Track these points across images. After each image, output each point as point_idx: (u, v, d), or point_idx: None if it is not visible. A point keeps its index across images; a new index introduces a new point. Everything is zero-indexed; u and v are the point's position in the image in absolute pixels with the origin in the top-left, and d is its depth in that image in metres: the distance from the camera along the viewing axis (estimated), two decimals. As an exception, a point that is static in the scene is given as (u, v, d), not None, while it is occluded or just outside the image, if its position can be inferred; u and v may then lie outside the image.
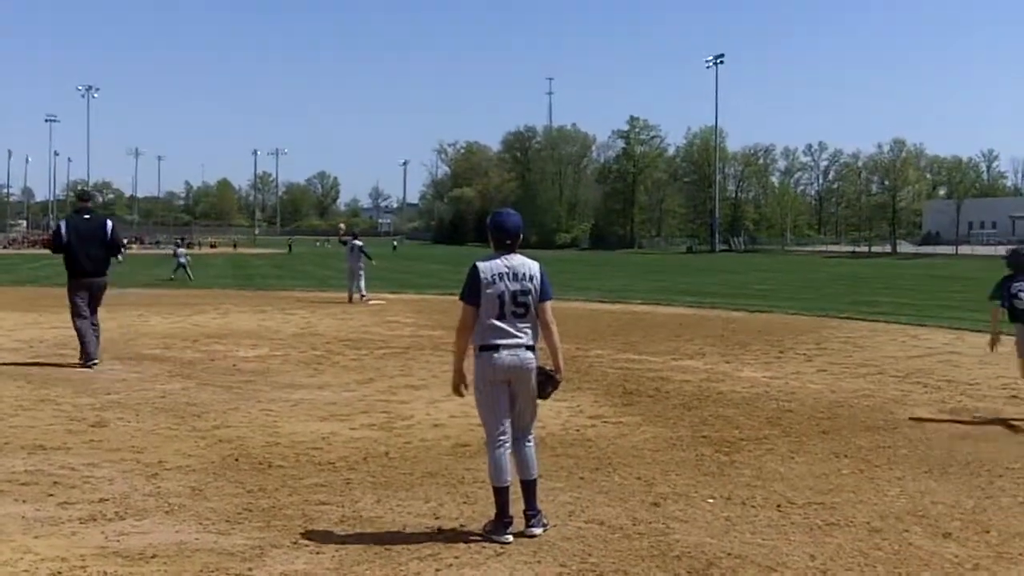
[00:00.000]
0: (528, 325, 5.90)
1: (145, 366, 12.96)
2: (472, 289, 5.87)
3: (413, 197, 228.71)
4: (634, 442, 8.58)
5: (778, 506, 6.60)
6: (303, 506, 6.34)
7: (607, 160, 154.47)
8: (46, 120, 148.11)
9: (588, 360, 13.99)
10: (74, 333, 13.03)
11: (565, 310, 24.14)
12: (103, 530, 5.79)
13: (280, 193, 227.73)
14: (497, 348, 5.82)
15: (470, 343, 5.94)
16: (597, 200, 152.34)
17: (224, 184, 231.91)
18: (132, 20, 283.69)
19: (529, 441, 6.03)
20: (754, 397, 11.08)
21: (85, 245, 13.11)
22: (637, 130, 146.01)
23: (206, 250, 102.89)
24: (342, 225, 36.24)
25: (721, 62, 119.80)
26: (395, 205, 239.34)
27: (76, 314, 13.09)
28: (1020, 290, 9.81)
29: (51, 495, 6.51)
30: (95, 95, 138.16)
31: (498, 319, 5.83)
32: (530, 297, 5.89)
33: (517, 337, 5.84)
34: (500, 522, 5.80)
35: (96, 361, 12.81)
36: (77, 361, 12.83)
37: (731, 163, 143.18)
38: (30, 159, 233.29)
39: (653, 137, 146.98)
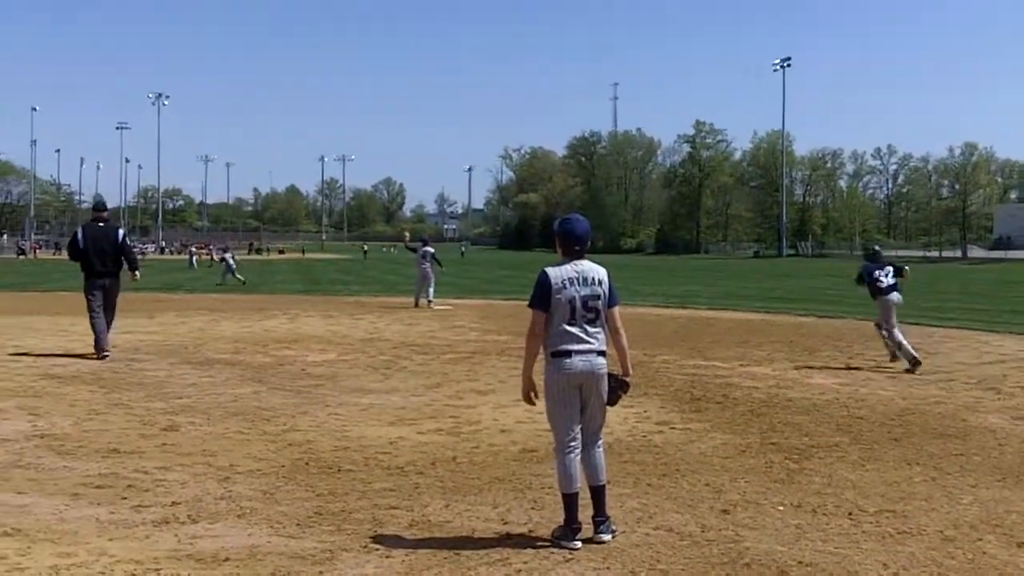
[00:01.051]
0: (599, 330, 5.90)
1: (216, 370, 13.14)
2: (542, 295, 5.87)
3: (478, 203, 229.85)
4: (702, 448, 8.52)
5: (849, 514, 6.51)
6: (373, 510, 6.39)
7: (673, 164, 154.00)
8: (117, 128, 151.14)
9: (655, 366, 13.92)
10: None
11: (631, 315, 24.05)
12: (176, 533, 5.87)
13: (347, 199, 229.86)
14: (569, 354, 5.81)
15: (540, 349, 5.94)
16: (662, 205, 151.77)
17: (292, 190, 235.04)
18: (202, 29, 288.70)
19: (599, 446, 6.02)
20: (824, 403, 10.95)
21: (99, 250, 14.62)
22: (703, 134, 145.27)
23: (274, 256, 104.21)
24: (407, 232, 36.48)
25: (788, 65, 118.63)
26: (460, 211, 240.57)
27: (91, 311, 14.52)
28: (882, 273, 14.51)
29: (125, 498, 6.62)
30: (165, 102, 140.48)
31: (569, 324, 5.83)
32: (600, 302, 5.89)
33: (588, 342, 5.84)
34: (569, 528, 5.79)
35: (108, 353, 14.13)
36: (93, 354, 14.09)
37: (798, 167, 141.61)
38: (101, 166, 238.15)
39: (719, 141, 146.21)
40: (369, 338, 17.69)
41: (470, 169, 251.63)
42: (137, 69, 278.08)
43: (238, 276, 38.42)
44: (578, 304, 5.83)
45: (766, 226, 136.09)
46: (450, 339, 17.66)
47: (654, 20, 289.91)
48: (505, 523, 6.17)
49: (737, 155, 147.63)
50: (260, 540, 5.76)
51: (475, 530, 6.03)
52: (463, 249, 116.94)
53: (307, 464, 7.70)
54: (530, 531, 6.02)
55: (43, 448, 8.12)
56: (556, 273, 5.90)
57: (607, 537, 5.84)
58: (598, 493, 5.93)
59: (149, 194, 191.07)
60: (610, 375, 5.95)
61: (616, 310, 5.99)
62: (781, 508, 6.62)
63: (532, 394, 6.04)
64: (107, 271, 14.68)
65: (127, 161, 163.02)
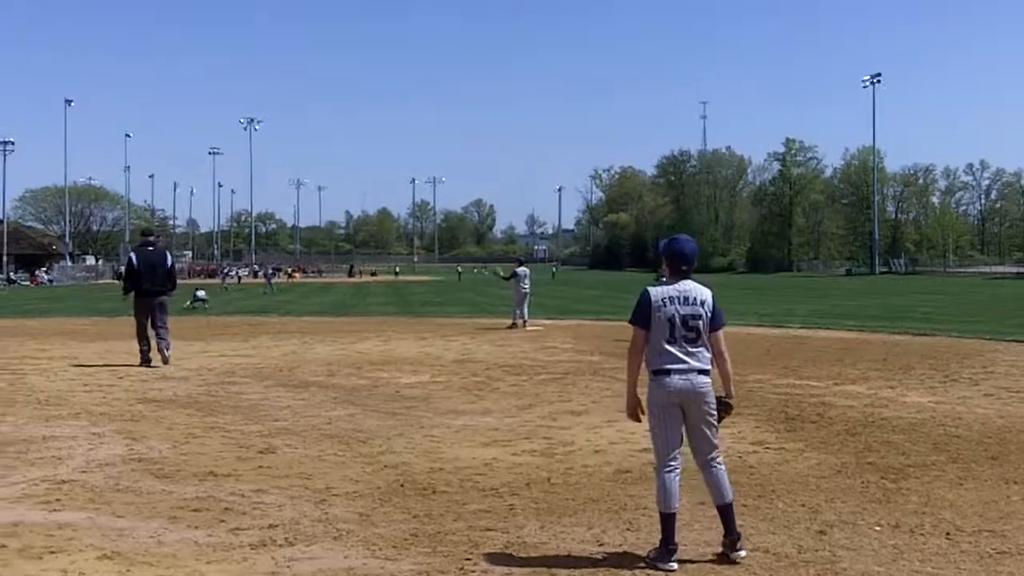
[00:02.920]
0: (700, 349, 5.88)
1: (311, 393, 13.32)
2: (642, 312, 5.91)
3: (568, 223, 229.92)
4: (797, 469, 8.39)
5: (947, 534, 6.37)
6: (468, 532, 6.41)
7: (763, 182, 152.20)
8: (210, 153, 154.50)
9: (748, 385, 13.75)
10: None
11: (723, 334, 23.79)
12: (273, 555, 5.94)
13: (438, 221, 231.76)
14: (668, 372, 5.83)
15: (642, 366, 5.97)
16: (753, 223, 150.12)
17: (383, 213, 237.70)
18: (292, 55, 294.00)
19: (716, 465, 5.99)
20: (920, 422, 10.70)
21: (149, 271, 16.76)
22: (793, 152, 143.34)
23: (367, 278, 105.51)
24: (499, 270, 36.94)
25: (878, 81, 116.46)
26: (550, 231, 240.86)
27: (138, 326, 16.60)
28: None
29: (222, 521, 6.70)
30: (257, 128, 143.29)
31: (669, 343, 5.84)
32: (701, 322, 5.88)
33: (688, 361, 5.83)
34: (665, 549, 5.74)
35: (163, 359, 16.24)
36: (139, 364, 16.15)
37: (890, 184, 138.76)
38: (195, 191, 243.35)
39: (810, 158, 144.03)
40: (462, 359, 17.79)
41: (560, 190, 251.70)
42: (229, 95, 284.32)
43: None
44: (678, 323, 5.84)
45: (858, 243, 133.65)
46: (542, 360, 17.67)
47: (743, 37, 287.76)
48: (600, 544, 6.14)
49: (828, 172, 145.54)
50: (357, 562, 5.80)
51: (571, 551, 6.00)
52: (554, 269, 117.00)
53: (402, 486, 7.75)
54: (625, 552, 5.98)
55: (141, 471, 8.29)
56: (657, 291, 5.93)
57: (743, 554, 5.81)
58: (725, 512, 5.91)
59: (242, 218, 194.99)
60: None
61: (720, 333, 5.98)
62: (878, 528, 6.49)
63: (638, 410, 6.05)
64: (156, 290, 16.73)
65: (220, 186, 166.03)
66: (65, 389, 13.59)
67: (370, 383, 14.33)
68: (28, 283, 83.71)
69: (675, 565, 5.67)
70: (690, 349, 5.85)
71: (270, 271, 75.25)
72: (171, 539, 6.26)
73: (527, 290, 26.70)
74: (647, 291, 5.95)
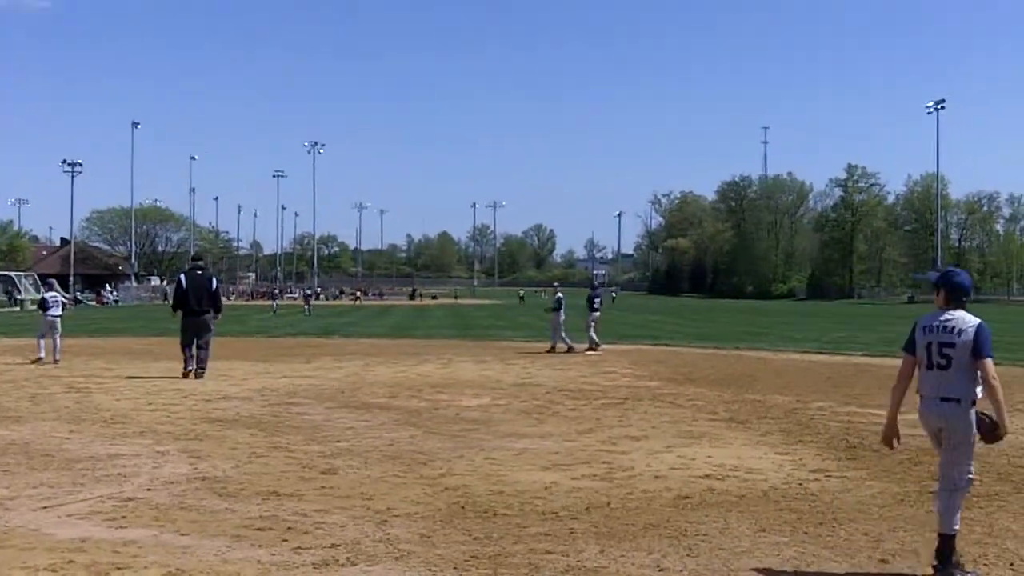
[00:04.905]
0: (953, 378, 6.01)
1: (372, 414, 13.41)
2: (909, 340, 6.26)
3: (628, 248, 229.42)
4: (859, 497, 8.28)
5: (1011, 564, 6.29)
6: (528, 555, 6.40)
7: (824, 209, 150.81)
8: (274, 176, 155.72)
9: (809, 413, 13.61)
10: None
11: (783, 362, 23.60)
12: (336, 575, 5.99)
13: (498, 245, 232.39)
14: (923, 399, 6.14)
15: (903, 393, 6.29)
16: (814, 249, 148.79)
17: (444, 237, 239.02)
18: (354, 79, 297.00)
19: (945, 491, 6.08)
20: (983, 452, 10.38)
21: (196, 292, 18.55)
22: (855, 178, 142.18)
23: (428, 301, 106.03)
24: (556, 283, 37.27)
25: (942, 107, 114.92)
26: (610, 256, 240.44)
27: (183, 341, 18.40)
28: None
29: (285, 540, 6.75)
30: (320, 151, 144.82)
31: (927, 369, 6.12)
32: (953, 350, 6.02)
33: (938, 389, 6.05)
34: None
35: (194, 373, 17.90)
36: (181, 375, 17.90)
37: (954, 210, 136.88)
38: (258, 214, 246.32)
39: (872, 185, 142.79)
40: (522, 383, 17.81)
41: (619, 215, 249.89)
42: (292, 118, 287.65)
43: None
44: (934, 351, 6.08)
45: (921, 270, 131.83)
46: (602, 384, 17.63)
47: (804, 62, 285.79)
48: (660, 569, 6.10)
49: (891, 199, 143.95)
50: (418, 582, 5.82)
51: (631, 576, 5.98)
52: (614, 295, 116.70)
53: (463, 508, 7.77)
54: (686, 579, 5.94)
55: (205, 490, 8.39)
56: (923, 320, 6.24)
57: None
58: (940, 540, 6.03)
59: (305, 241, 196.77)
60: (984, 415, 6.06)
61: (986, 362, 6.00)
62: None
63: (893, 439, 6.33)
64: (201, 310, 18.45)
65: (284, 208, 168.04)
66: (130, 408, 13.82)
67: (431, 405, 14.39)
68: (94, 303, 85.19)
69: None
70: (942, 376, 6.04)
71: (308, 293, 76.18)
72: (235, 557, 6.33)
73: (592, 315, 27.41)
74: (916, 321, 6.30)
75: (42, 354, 21.50)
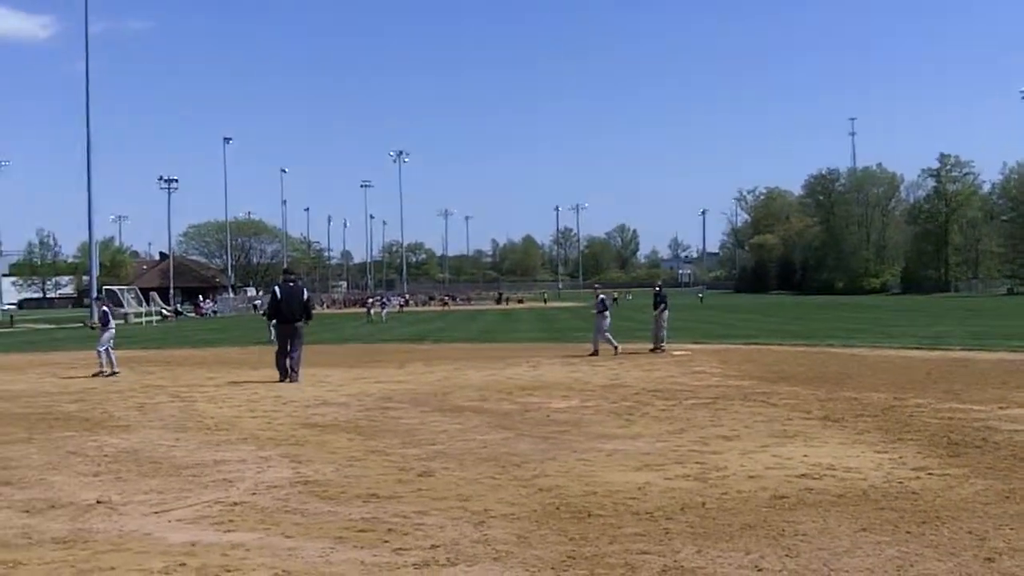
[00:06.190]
0: None
1: (465, 417, 13.56)
2: None
3: (713, 246, 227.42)
4: (962, 495, 8.15)
5: None
6: (625, 555, 6.45)
7: (917, 200, 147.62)
8: (361, 186, 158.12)
9: (908, 410, 13.41)
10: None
11: (879, 358, 23.23)
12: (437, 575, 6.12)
13: (581, 247, 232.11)
14: None
15: None
16: (907, 242, 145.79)
17: (528, 240, 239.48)
18: (437, 91, 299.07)
19: None
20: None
21: (289, 302, 19.85)
22: (948, 167, 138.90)
23: (514, 305, 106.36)
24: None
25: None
26: (694, 255, 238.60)
27: (279, 348, 19.74)
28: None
29: (386, 541, 6.89)
30: (406, 160, 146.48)
31: None
32: None
33: None
34: None
35: (289, 378, 19.03)
36: (278, 380, 18.97)
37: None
38: (348, 223, 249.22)
39: (966, 174, 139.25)
40: (610, 384, 17.83)
41: (704, 212, 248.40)
42: (378, 130, 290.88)
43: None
44: None
45: (1020, 261, 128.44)
46: (691, 384, 17.57)
47: (890, 50, 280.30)
48: (759, 570, 6.10)
49: (986, 188, 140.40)
50: (517, 582, 5.92)
51: (729, 576, 6.00)
52: (701, 295, 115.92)
53: (558, 509, 7.84)
54: (785, 578, 5.94)
55: (307, 494, 8.60)
56: None
57: None
58: None
59: (393, 248, 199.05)
60: None
61: None
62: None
63: None
64: (295, 319, 19.73)
65: (372, 217, 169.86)
66: (232, 415, 14.19)
67: (521, 408, 14.50)
68: (192, 314, 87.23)
69: None
70: None
71: (383, 300, 76.57)
72: (338, 559, 6.49)
73: (663, 315, 27.54)
74: None
75: (105, 368, 21.94)
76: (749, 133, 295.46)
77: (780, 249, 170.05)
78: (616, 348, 25.69)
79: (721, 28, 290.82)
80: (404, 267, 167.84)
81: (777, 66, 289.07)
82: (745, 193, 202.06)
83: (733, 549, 6.57)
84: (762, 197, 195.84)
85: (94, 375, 21.64)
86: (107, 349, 22.24)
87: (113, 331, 22.76)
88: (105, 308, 23.88)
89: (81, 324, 26.65)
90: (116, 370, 21.82)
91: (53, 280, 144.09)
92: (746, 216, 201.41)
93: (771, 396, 15.34)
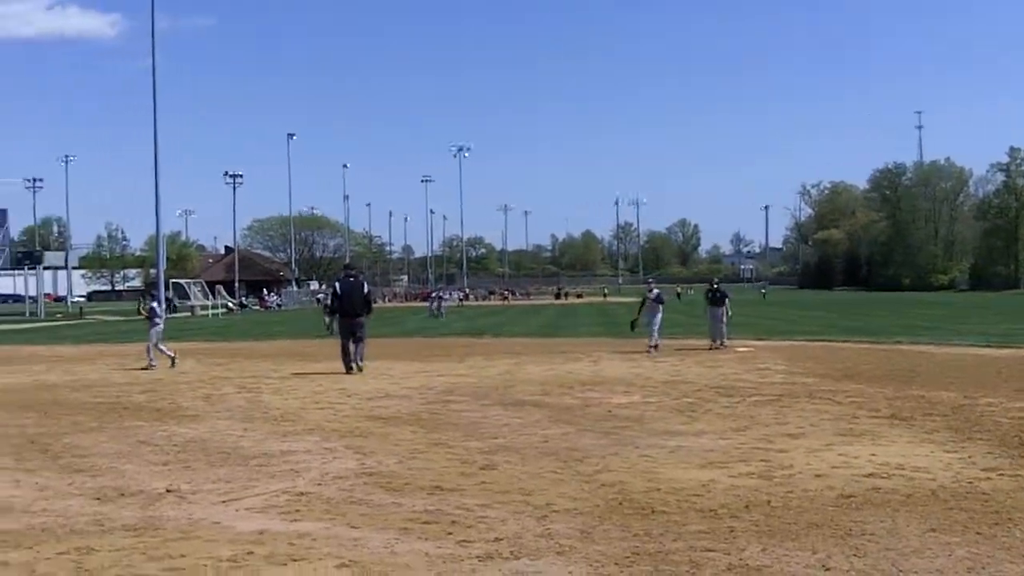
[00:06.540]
0: None
1: (526, 411, 13.58)
2: None
3: (776, 241, 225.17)
4: (1036, 496, 8.01)
5: None
6: (689, 552, 6.42)
7: (986, 195, 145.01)
8: (422, 181, 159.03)
9: (978, 409, 13.18)
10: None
11: (948, 356, 22.86)
12: (500, 568, 6.11)
13: (642, 242, 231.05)
14: None
15: None
16: (976, 238, 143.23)
17: (588, 235, 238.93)
18: (497, 86, 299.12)
19: None
20: None
21: (350, 297, 20.51)
22: (1018, 161, 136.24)
23: (573, 300, 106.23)
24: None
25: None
26: (757, 250, 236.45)
27: (343, 342, 20.10)
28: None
29: (450, 534, 6.93)
30: (466, 155, 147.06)
31: None
32: None
33: None
34: None
35: (354, 369, 19.62)
36: (344, 372, 19.51)
37: None
38: (409, 218, 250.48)
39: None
40: (672, 380, 17.75)
41: (766, 208, 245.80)
42: (438, 125, 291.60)
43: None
44: None
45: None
46: (755, 381, 17.42)
47: (957, 42, 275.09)
48: (827, 569, 6.03)
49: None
50: (581, 577, 5.91)
51: (795, 575, 5.95)
52: (764, 291, 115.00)
53: (621, 504, 7.83)
54: (853, 578, 5.87)
55: (372, 485, 8.67)
56: None
57: None
58: None
59: (454, 243, 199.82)
60: None
61: None
62: None
63: None
64: (356, 313, 20.27)
65: (432, 212, 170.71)
66: (298, 406, 14.36)
67: (582, 403, 14.49)
68: (257, 307, 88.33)
69: None
70: None
71: (440, 296, 74.73)
72: (403, 549, 6.54)
73: (721, 311, 26.89)
74: None
75: (155, 361, 21.88)
76: (812, 126, 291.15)
77: (845, 244, 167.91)
78: (655, 346, 25.41)
79: (783, 20, 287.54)
80: (464, 262, 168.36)
81: (841, 58, 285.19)
82: (809, 187, 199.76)
83: (799, 548, 6.50)
84: (826, 191, 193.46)
85: (142, 369, 21.65)
86: (155, 344, 22.25)
87: (160, 326, 22.97)
88: (153, 304, 24.00)
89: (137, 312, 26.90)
90: (153, 364, 21.71)
91: (121, 273, 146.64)
92: (810, 211, 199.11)
93: (837, 394, 15.16)
